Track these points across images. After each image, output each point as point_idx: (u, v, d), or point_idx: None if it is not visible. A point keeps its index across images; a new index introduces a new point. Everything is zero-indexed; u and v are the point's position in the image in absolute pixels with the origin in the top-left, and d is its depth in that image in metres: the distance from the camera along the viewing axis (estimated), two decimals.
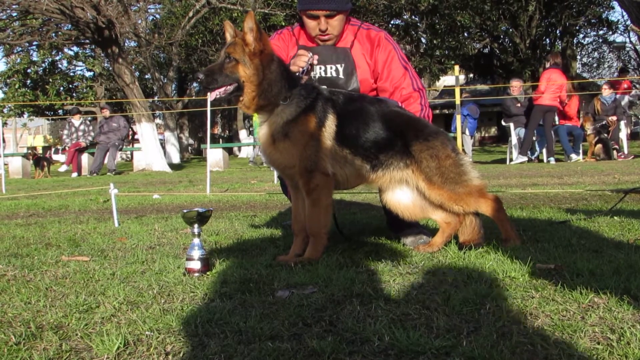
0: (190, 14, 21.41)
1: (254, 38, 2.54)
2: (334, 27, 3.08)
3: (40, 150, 19.33)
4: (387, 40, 3.18)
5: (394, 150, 2.71)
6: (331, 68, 3.14)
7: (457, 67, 12.41)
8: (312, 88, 2.69)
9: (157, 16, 25.10)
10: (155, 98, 28.87)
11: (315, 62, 3.00)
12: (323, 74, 3.13)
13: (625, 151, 12.33)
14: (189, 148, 31.50)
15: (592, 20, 28.13)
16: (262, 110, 2.64)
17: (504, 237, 2.79)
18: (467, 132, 13.25)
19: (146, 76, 29.69)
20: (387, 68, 3.13)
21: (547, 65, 11.67)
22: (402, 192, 2.79)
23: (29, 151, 16.07)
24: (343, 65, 3.13)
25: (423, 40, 25.41)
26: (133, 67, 19.34)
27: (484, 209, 2.75)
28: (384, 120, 2.71)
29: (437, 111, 26.58)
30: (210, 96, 2.58)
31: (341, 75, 3.13)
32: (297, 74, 2.92)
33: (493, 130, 32.65)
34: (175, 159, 22.14)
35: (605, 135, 11.96)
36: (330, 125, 2.63)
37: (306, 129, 2.60)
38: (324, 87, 2.90)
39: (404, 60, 3.17)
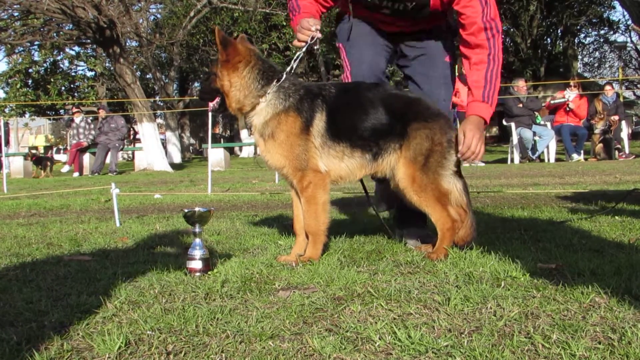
0: (192, 13, 21.44)
1: (220, 51, 2.65)
2: None
3: (42, 150, 19.36)
4: None
5: (393, 134, 2.65)
6: None
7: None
8: (294, 86, 2.66)
9: (159, 16, 25.12)
10: (157, 98, 28.90)
11: (320, 35, 2.87)
12: None
13: (627, 151, 12.33)
14: (190, 148, 31.51)
15: (594, 20, 28.14)
16: (243, 113, 2.71)
17: (434, 248, 2.68)
18: None
19: (147, 76, 29.71)
20: None
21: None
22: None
23: (29, 151, 16.11)
24: None
25: None
26: (134, 66, 19.38)
27: (435, 216, 2.64)
28: (383, 105, 2.65)
29: None
30: (209, 108, 2.83)
31: None
32: (301, 49, 2.86)
33: (494, 130, 32.64)
34: (177, 158, 22.16)
35: (609, 135, 11.99)
36: (318, 122, 2.61)
37: (290, 129, 2.59)
38: (317, 83, 2.85)
39: None
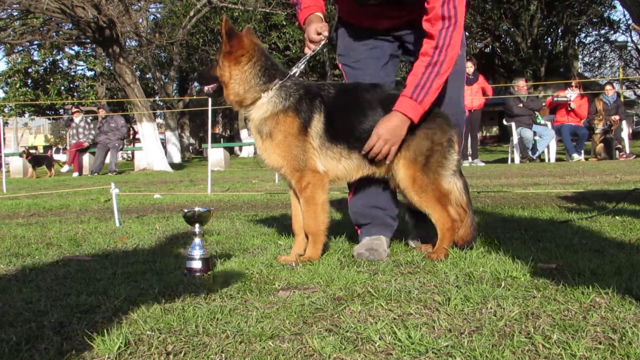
0: (191, 13, 21.45)
1: (224, 41, 2.65)
2: None
3: (41, 150, 19.36)
4: None
5: None
6: None
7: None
8: (295, 85, 2.65)
9: (158, 15, 25.12)
10: (157, 97, 28.91)
11: (326, 41, 2.81)
12: None
13: (628, 150, 12.32)
14: (190, 148, 31.51)
15: (594, 20, 28.17)
16: (242, 106, 2.71)
17: (434, 248, 2.67)
18: None
19: (147, 76, 29.72)
20: None
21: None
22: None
23: (24, 150, 16.12)
24: None
25: None
26: (134, 66, 19.39)
27: (435, 216, 2.63)
28: (382, 106, 2.63)
29: None
30: (204, 90, 2.87)
31: None
32: (308, 54, 2.83)
33: (494, 130, 32.66)
34: (177, 158, 22.15)
35: (610, 135, 12.00)
36: (316, 124, 2.61)
37: (288, 129, 2.59)
38: (317, 82, 2.83)
39: None
